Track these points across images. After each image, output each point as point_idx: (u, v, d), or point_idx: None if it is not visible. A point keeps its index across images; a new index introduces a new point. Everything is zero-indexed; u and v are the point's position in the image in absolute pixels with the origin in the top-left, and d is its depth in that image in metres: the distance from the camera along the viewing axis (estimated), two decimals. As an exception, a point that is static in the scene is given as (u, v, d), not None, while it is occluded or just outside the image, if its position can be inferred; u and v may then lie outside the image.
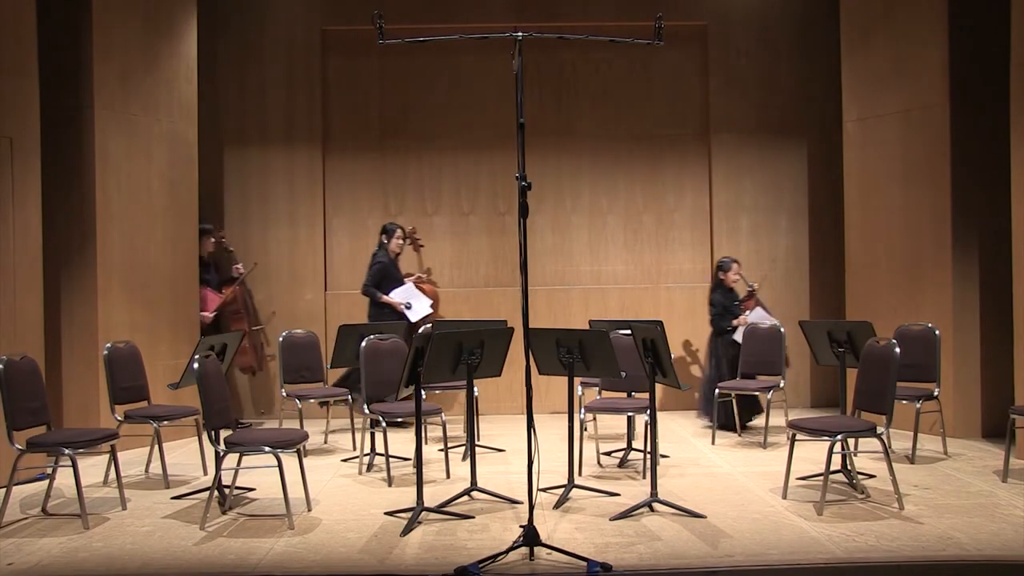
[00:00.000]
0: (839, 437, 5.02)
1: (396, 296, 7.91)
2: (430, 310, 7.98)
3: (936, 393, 6.26)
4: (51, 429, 5.21)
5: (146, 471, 6.10)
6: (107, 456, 5.53)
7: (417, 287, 8.06)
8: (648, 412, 5.24)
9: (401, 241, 8.06)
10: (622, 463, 6.22)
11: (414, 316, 7.82)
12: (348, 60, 8.73)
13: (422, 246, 8.48)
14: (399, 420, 6.83)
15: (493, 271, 8.73)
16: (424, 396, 5.44)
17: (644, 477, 5.71)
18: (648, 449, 5.24)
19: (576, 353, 5.20)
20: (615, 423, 7.48)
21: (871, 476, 5.66)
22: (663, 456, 6.22)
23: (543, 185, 8.45)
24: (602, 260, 8.78)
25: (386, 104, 8.77)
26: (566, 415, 5.43)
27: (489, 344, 5.02)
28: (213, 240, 8.10)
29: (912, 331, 6.41)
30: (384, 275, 7.95)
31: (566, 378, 5.36)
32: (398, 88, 8.75)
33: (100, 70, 6.90)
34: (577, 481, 5.45)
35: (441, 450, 6.14)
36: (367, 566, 4.18)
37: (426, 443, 6.48)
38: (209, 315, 7.88)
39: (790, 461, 5.30)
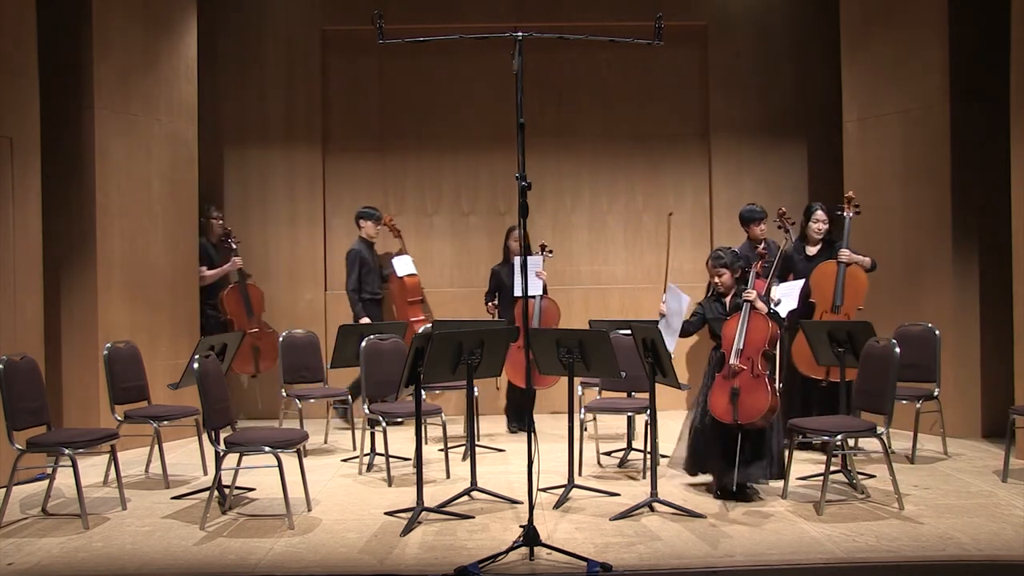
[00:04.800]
0: (839, 437, 5.02)
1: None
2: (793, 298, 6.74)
3: (936, 393, 6.27)
4: (51, 429, 5.21)
5: (146, 471, 6.10)
6: (107, 456, 5.53)
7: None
8: (648, 412, 5.25)
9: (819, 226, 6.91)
10: (622, 463, 6.22)
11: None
12: (348, 60, 8.72)
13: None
14: (398, 419, 6.83)
15: (493, 271, 8.72)
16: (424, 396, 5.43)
17: (644, 477, 5.71)
18: (648, 449, 5.24)
19: (576, 353, 5.20)
20: (615, 423, 7.49)
21: (871, 476, 5.66)
22: (663, 456, 6.22)
23: (543, 185, 8.45)
24: (602, 260, 8.77)
25: (386, 104, 8.77)
26: (566, 415, 5.43)
27: (489, 344, 5.02)
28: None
29: (912, 331, 6.41)
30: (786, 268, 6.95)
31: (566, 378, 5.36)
32: (398, 88, 8.75)
33: (100, 70, 6.91)
34: (577, 481, 5.45)
35: (441, 450, 6.14)
36: (367, 566, 4.18)
37: (426, 443, 6.48)
38: None
39: (790, 461, 5.29)
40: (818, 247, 6.80)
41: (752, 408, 5.00)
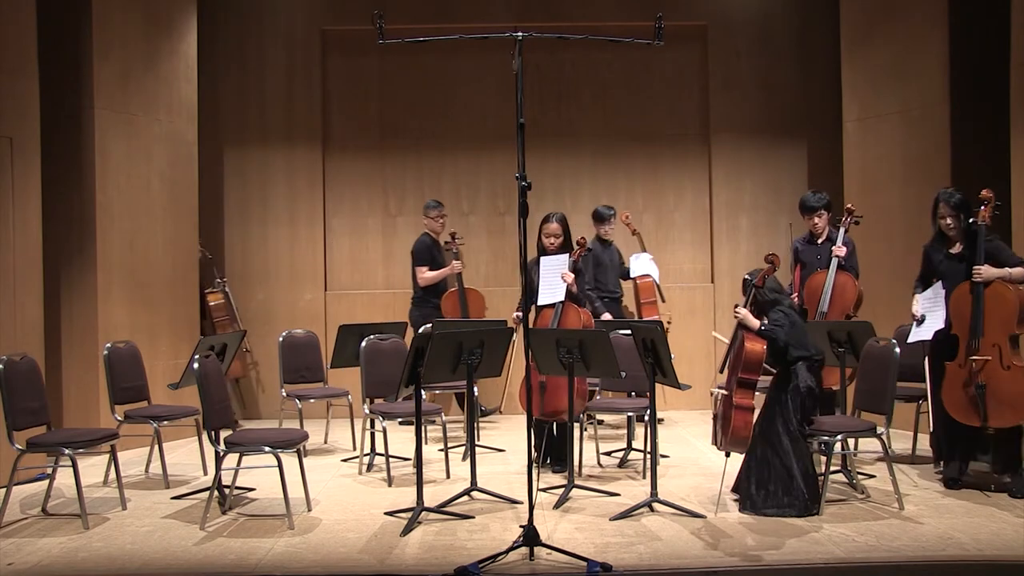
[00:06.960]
0: (839, 437, 5.02)
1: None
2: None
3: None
4: (51, 429, 5.21)
5: (146, 471, 6.10)
6: (107, 456, 5.53)
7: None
8: (648, 412, 5.25)
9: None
10: (622, 463, 6.22)
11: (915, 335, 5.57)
12: (348, 60, 8.72)
13: None
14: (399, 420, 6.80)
15: (493, 271, 8.72)
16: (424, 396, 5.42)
17: (644, 477, 5.71)
18: (648, 449, 5.24)
19: (576, 353, 5.19)
20: (615, 423, 7.49)
21: (871, 476, 5.66)
22: (663, 456, 6.22)
23: (543, 185, 8.44)
24: (602, 260, 8.76)
25: (386, 104, 8.77)
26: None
27: (489, 344, 5.02)
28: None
29: (912, 331, 6.37)
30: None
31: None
32: (398, 88, 8.75)
33: (100, 70, 6.91)
34: (577, 481, 5.45)
35: (441, 450, 6.14)
36: (367, 566, 4.18)
37: (426, 443, 6.48)
38: None
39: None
40: (960, 244, 5.47)
41: (723, 435, 4.88)
